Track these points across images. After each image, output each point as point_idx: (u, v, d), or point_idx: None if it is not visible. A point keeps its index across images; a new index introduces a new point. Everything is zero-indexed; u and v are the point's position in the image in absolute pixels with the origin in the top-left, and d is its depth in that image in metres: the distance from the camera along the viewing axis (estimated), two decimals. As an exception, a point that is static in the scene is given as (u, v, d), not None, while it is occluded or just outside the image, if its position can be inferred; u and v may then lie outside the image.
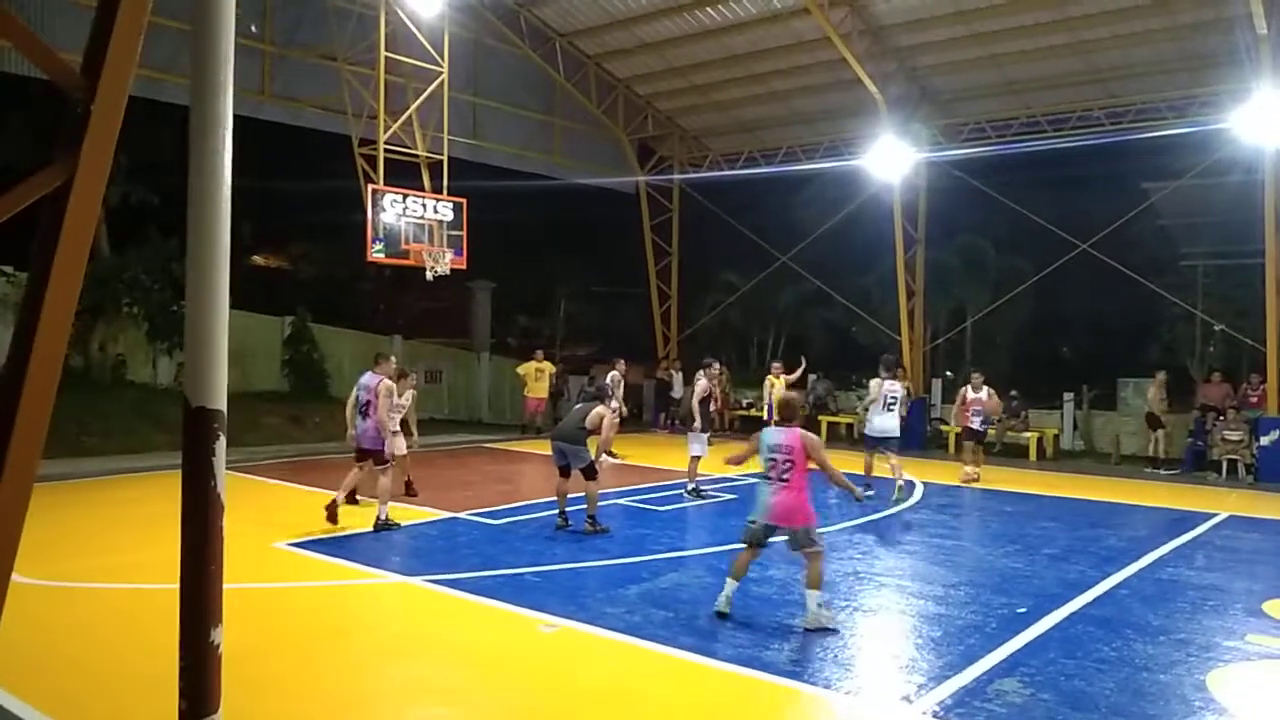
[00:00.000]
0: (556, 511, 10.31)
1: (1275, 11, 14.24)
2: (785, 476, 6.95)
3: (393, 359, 10.82)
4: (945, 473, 15.50)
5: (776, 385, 15.68)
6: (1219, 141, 16.08)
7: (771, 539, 7.16)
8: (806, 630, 6.76)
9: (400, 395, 11.71)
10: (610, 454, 17.08)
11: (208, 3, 3.20)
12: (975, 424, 14.96)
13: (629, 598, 7.54)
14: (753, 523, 7.09)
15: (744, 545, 7.16)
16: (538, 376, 19.92)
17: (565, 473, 10.28)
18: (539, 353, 20.72)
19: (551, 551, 9.26)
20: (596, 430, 10.52)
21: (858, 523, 11.11)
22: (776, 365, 16.22)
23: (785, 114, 21.77)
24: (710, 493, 12.71)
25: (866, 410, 13.82)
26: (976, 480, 14.63)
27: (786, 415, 7.26)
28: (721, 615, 6.93)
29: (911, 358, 20.24)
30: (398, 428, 11.80)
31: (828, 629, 6.76)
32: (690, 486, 12.59)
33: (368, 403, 10.12)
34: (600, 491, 10.42)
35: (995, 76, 18.71)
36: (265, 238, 29.24)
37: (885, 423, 13.26)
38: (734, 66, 20.18)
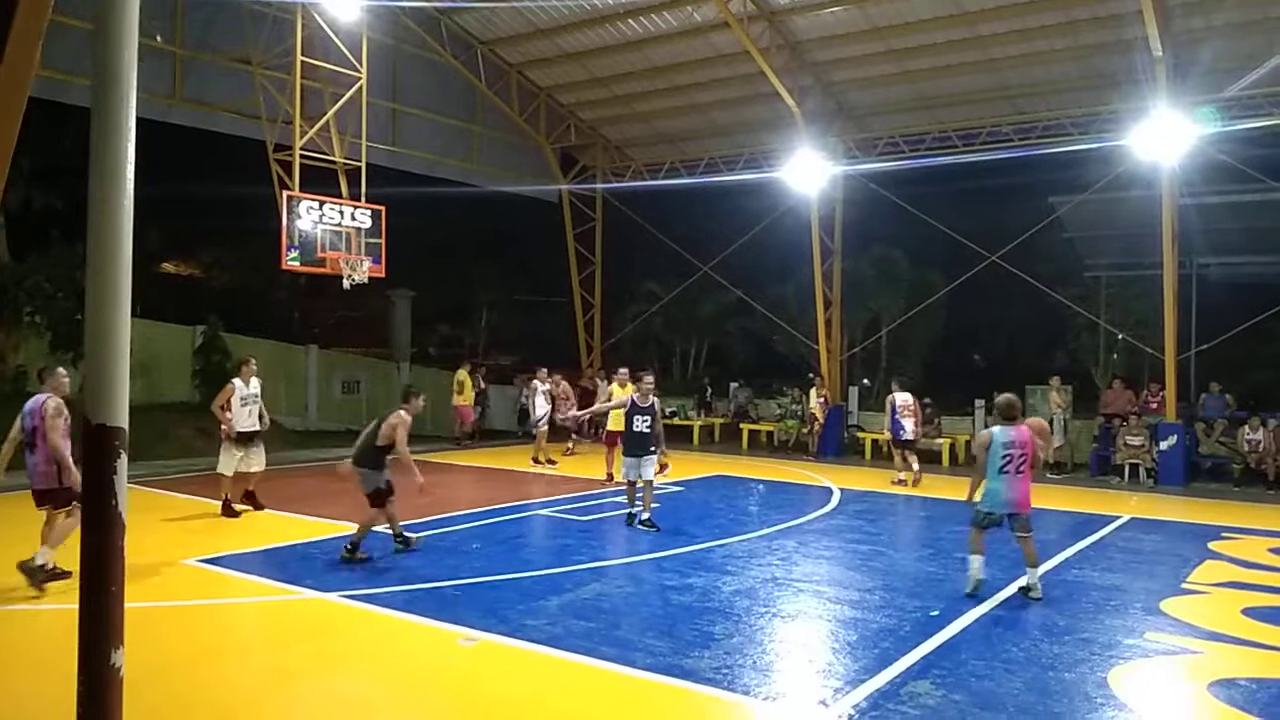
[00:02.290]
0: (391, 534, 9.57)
1: (1169, 36, 14.91)
2: (1021, 469, 8.01)
3: (61, 371, 8.31)
4: (862, 479, 15.83)
5: (617, 393, 15.16)
6: (1120, 158, 16.73)
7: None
8: (1035, 599, 7.94)
9: (247, 383, 11.30)
10: (551, 460, 16.91)
11: (110, 5, 3.10)
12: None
13: (550, 609, 7.51)
14: (990, 513, 8.11)
15: (977, 528, 8.20)
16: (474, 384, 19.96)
17: (376, 499, 9.32)
18: (468, 363, 20.66)
19: (471, 564, 9.17)
20: (392, 446, 9.22)
21: (777, 529, 11.24)
22: (621, 372, 15.52)
23: (706, 126, 22.00)
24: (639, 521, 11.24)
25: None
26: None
27: (1011, 415, 8.22)
28: (976, 592, 8.04)
29: (829, 366, 20.58)
30: (256, 424, 11.33)
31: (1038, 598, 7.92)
32: (645, 517, 11.10)
33: (34, 429, 7.85)
34: (519, 501, 10.29)
35: (908, 92, 19.18)
36: (176, 244, 28.42)
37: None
38: (655, 78, 20.34)
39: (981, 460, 8.23)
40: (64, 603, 7.10)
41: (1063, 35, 16.47)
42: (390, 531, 9.57)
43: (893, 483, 15.40)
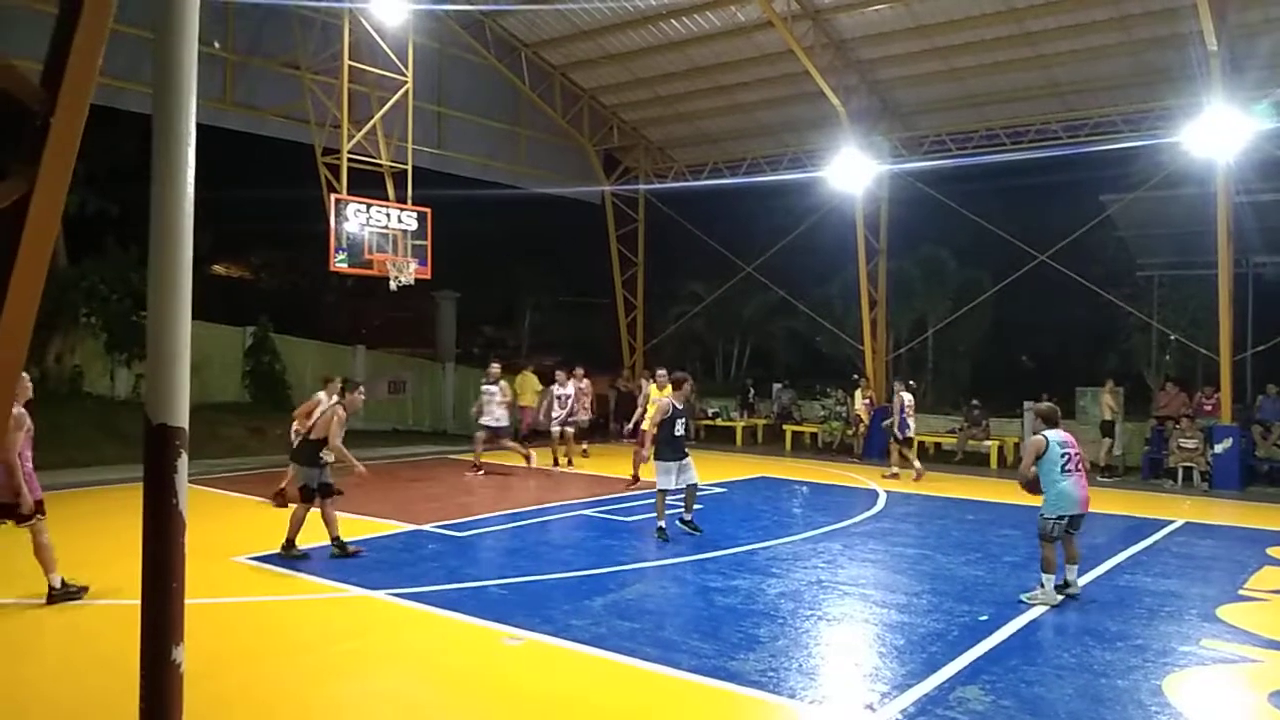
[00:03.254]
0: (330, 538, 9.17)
1: (1225, 29, 14.59)
2: (1079, 467, 8.08)
3: (24, 378, 7.10)
4: (908, 481, 15.67)
5: (655, 395, 14.90)
6: (1173, 155, 16.40)
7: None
8: (1073, 595, 8.05)
9: (330, 398, 11.36)
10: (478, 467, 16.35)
11: (171, 14, 3.17)
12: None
13: (595, 609, 7.53)
14: (1061, 519, 7.95)
15: (1051, 540, 7.98)
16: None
17: (306, 495, 9.10)
18: (531, 365, 20.66)
19: (516, 564, 9.23)
20: (326, 440, 8.95)
21: (822, 531, 11.18)
22: (661, 374, 15.15)
23: (749, 125, 21.93)
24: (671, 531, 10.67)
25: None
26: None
27: (1055, 420, 8.39)
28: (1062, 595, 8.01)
29: (874, 367, 20.41)
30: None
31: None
32: (687, 517, 10.88)
33: None
34: (563, 501, 10.27)
35: (955, 90, 18.97)
36: (227, 247, 28.94)
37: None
38: (698, 78, 20.32)
39: (1030, 464, 8.07)
40: (113, 599, 7.26)
41: (1115, 30, 16.18)
42: (328, 536, 9.19)
43: (884, 476, 15.99)
